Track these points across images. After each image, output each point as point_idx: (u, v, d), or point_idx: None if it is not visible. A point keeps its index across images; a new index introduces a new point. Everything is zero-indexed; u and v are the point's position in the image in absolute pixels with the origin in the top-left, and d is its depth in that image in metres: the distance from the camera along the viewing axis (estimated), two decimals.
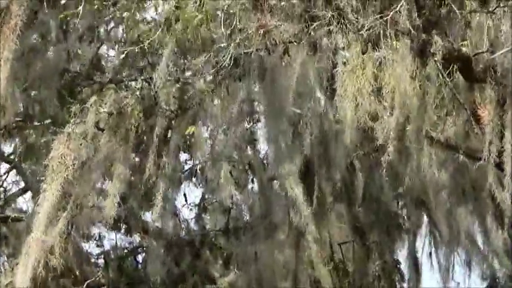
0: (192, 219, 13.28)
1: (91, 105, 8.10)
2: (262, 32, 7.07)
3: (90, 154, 8.05)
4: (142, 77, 8.77)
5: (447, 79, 8.65)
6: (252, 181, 12.36)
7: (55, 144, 7.93)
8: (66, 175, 7.79)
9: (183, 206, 13.40)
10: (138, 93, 8.48)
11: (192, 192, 13.57)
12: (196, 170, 12.73)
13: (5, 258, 12.23)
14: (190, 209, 13.50)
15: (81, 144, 7.91)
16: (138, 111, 8.34)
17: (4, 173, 13.46)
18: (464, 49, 8.72)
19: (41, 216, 7.83)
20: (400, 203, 11.91)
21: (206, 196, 13.28)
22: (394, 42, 8.33)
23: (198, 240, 12.43)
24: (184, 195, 13.37)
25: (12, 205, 13.31)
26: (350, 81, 8.22)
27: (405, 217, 11.91)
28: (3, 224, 12.05)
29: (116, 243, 12.86)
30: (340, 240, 11.97)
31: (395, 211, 11.64)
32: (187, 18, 7.88)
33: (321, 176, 11.03)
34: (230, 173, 11.54)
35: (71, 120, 8.09)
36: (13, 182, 13.61)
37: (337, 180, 11.12)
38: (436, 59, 8.33)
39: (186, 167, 13.01)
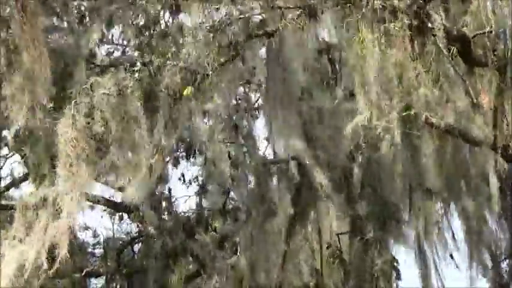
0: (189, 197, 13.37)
1: (91, 85, 8.00)
2: None
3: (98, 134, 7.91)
4: (141, 60, 8.66)
5: (449, 59, 8.58)
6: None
7: (60, 128, 7.80)
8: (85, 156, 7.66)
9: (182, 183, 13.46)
10: (137, 75, 8.42)
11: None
12: (195, 150, 12.75)
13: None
14: (188, 187, 13.61)
15: (88, 123, 7.77)
16: (138, 94, 8.27)
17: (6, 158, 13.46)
18: (464, 29, 8.73)
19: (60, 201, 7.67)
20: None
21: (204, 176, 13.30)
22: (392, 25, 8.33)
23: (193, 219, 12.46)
24: (182, 174, 13.44)
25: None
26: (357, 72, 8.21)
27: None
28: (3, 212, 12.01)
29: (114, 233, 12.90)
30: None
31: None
32: None
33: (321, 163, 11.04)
34: (228, 154, 11.58)
35: (72, 102, 7.96)
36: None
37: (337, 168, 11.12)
38: (436, 37, 8.29)
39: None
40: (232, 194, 12.98)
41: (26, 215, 7.66)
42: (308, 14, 7.67)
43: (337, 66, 12.10)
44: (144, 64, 8.56)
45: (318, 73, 11.57)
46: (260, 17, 8.55)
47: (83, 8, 10.45)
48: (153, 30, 10.53)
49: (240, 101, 12.44)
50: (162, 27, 10.75)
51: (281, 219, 11.72)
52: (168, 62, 8.68)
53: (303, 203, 11.70)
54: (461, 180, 10.88)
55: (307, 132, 11.37)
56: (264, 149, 12.97)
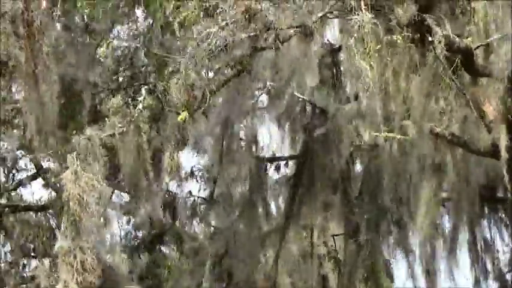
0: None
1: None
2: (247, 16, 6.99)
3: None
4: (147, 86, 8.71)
5: (448, 70, 8.51)
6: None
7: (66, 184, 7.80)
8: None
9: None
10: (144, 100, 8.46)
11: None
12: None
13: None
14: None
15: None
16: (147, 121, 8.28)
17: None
18: (465, 41, 8.64)
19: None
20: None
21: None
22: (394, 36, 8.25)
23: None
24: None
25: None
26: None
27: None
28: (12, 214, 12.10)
29: None
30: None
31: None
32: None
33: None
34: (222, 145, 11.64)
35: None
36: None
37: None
38: (436, 49, 8.21)
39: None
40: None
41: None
42: (304, 33, 7.60)
43: (340, 68, 12.04)
44: (149, 91, 8.56)
45: (321, 75, 11.54)
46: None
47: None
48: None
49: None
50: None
51: (275, 218, 11.84)
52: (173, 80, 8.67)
53: (298, 202, 11.76)
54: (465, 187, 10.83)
55: (309, 132, 11.46)
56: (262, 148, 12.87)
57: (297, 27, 7.52)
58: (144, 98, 8.47)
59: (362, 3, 7.14)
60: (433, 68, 8.47)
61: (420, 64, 8.47)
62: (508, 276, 11.88)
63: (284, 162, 12.66)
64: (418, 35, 8.23)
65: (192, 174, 13.55)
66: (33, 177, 13.72)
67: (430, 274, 11.64)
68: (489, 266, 11.72)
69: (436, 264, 11.59)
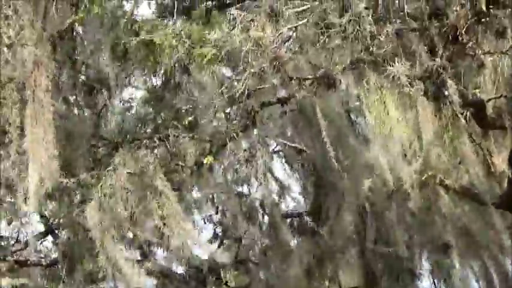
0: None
1: (115, 166, 8.05)
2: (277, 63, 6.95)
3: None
4: (158, 135, 8.72)
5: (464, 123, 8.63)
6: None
7: (89, 213, 7.89)
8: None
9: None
10: (155, 151, 8.49)
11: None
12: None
13: None
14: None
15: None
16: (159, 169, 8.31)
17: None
18: (478, 94, 8.80)
19: None
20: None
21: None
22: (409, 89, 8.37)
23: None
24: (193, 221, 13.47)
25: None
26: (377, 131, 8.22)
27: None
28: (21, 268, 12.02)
29: None
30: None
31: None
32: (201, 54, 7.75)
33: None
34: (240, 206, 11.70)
35: (98, 184, 8.01)
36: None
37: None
38: (452, 103, 8.34)
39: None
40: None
41: None
42: (326, 83, 7.63)
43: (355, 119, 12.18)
44: (160, 139, 8.61)
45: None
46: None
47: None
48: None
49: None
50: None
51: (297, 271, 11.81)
52: (183, 134, 8.72)
53: (319, 254, 11.78)
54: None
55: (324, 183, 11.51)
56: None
57: (320, 77, 7.58)
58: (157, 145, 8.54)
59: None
60: (448, 119, 8.60)
61: (435, 116, 8.61)
62: None
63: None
64: (434, 88, 8.38)
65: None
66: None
67: None
68: None
69: None
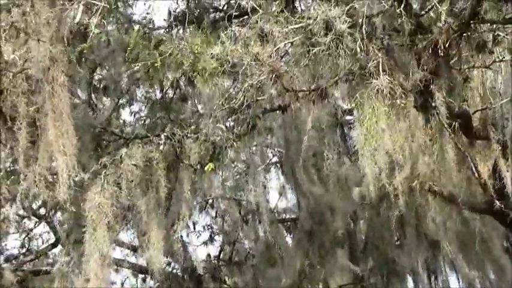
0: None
1: (121, 157, 8.60)
2: (274, 76, 7.48)
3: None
4: (165, 133, 9.24)
5: (450, 133, 9.13)
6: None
7: (90, 195, 8.37)
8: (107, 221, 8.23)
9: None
10: (161, 148, 9.00)
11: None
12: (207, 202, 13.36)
13: None
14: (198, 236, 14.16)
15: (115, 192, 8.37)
16: (163, 166, 8.83)
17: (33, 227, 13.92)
18: (464, 106, 9.31)
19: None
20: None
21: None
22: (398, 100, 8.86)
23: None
24: (193, 223, 13.99)
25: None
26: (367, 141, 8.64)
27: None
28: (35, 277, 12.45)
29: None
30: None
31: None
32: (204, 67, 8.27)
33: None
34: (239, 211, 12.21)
35: (103, 172, 8.55)
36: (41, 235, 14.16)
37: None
38: (439, 114, 8.82)
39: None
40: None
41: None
42: (319, 95, 8.17)
43: (345, 130, 12.69)
44: (167, 137, 9.11)
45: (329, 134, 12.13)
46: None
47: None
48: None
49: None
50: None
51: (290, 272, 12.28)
52: (189, 134, 9.19)
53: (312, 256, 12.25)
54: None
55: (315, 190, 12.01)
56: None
57: (314, 90, 8.14)
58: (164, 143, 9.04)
59: (380, 68, 7.68)
60: (436, 130, 9.12)
61: (422, 127, 9.12)
62: None
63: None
64: (422, 100, 8.88)
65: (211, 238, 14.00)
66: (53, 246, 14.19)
67: None
68: None
69: None
